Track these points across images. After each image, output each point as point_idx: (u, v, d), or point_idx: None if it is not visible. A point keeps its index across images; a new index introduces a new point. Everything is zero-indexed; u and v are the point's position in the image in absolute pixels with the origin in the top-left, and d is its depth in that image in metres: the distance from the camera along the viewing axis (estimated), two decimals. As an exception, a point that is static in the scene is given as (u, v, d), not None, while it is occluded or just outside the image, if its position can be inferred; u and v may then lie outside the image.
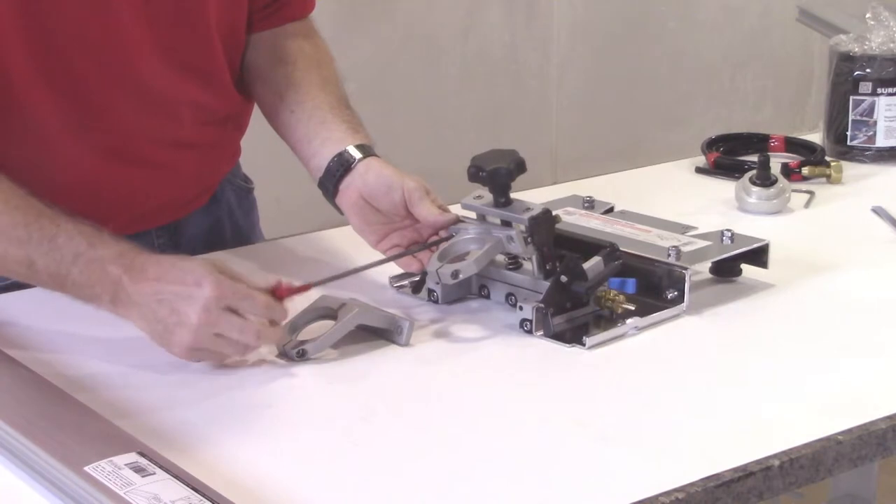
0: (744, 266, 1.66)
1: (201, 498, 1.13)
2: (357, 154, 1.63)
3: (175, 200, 1.74)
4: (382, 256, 1.61)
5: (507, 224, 1.55)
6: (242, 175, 1.88)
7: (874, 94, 2.13)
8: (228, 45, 1.69)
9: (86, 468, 1.17)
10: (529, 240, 1.52)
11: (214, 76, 1.69)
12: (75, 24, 1.54)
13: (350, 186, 1.62)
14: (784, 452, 1.25)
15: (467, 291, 1.61)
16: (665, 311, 1.56)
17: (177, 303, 1.40)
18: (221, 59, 1.69)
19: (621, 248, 1.57)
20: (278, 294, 1.44)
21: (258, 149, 1.89)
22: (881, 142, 2.15)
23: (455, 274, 1.51)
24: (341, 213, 1.65)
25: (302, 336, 1.48)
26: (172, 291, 1.41)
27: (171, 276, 1.42)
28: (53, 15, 1.52)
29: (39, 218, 1.46)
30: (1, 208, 1.46)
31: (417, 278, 1.61)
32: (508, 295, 1.57)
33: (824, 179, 2.06)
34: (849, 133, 2.16)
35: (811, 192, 2.00)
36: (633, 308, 1.54)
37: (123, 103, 1.60)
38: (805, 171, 2.06)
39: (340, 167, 1.63)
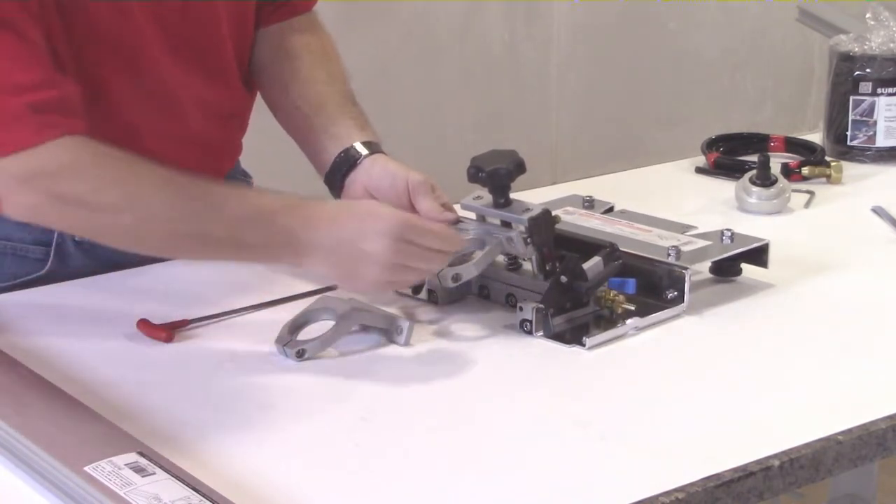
0: (744, 266, 1.66)
1: (201, 498, 1.13)
2: (363, 150, 1.64)
3: None
4: None
5: (506, 224, 1.55)
6: (241, 170, 1.88)
7: (874, 94, 2.13)
8: (238, 40, 1.70)
9: (86, 468, 1.17)
10: (529, 240, 1.52)
11: (223, 72, 1.69)
12: (92, 18, 1.53)
13: (355, 181, 1.63)
14: (784, 452, 1.25)
15: (467, 291, 1.61)
16: (665, 311, 1.56)
17: (360, 241, 1.42)
18: (231, 54, 1.69)
19: (621, 248, 1.57)
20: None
21: (257, 149, 1.88)
22: (881, 142, 2.15)
23: (456, 277, 1.51)
24: None
25: (302, 336, 1.48)
26: (355, 228, 1.43)
27: (347, 215, 1.44)
28: (72, 8, 1.51)
29: (203, 189, 1.46)
30: (162, 188, 1.45)
31: (417, 279, 1.61)
32: (508, 295, 1.57)
33: (824, 179, 2.06)
34: (849, 133, 2.16)
35: (811, 192, 2.00)
36: (633, 308, 1.54)
37: (133, 98, 1.59)
38: (805, 171, 2.06)
39: (346, 163, 1.64)
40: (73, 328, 1.54)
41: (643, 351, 1.49)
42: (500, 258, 1.58)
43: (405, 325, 1.49)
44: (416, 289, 1.61)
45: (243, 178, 1.88)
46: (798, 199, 1.97)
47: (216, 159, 1.77)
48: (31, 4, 1.46)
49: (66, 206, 1.46)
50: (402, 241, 1.43)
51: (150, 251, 1.53)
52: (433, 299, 1.60)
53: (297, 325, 1.49)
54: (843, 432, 1.29)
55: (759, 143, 2.20)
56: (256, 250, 1.48)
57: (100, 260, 1.68)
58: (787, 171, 2.03)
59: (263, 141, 1.81)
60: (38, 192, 1.45)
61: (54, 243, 1.66)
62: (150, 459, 1.18)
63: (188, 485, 1.15)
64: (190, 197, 1.46)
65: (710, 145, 2.17)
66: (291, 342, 1.46)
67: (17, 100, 1.43)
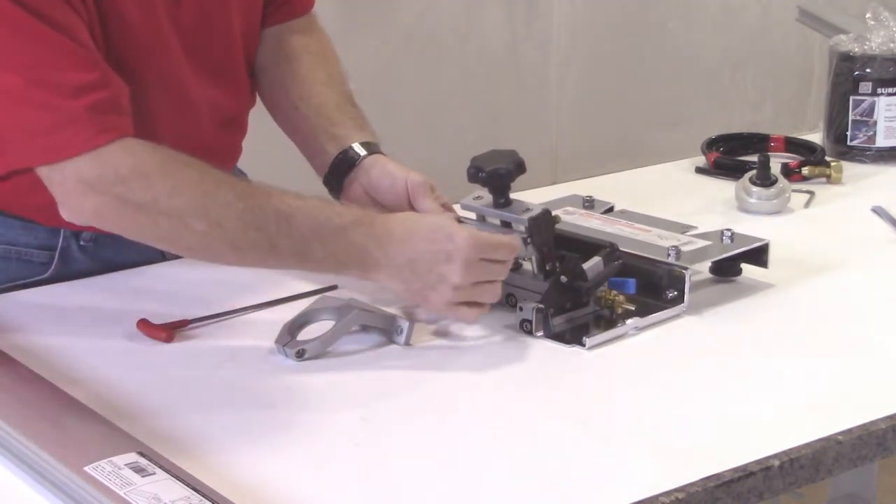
0: (744, 266, 1.66)
1: (201, 498, 1.13)
2: (362, 151, 1.65)
3: None
4: None
5: (506, 224, 1.55)
6: (237, 169, 1.88)
7: (874, 94, 2.13)
8: (247, 43, 1.70)
9: (86, 468, 1.17)
10: (529, 240, 1.52)
11: (233, 75, 1.69)
12: (123, 17, 1.52)
13: (354, 182, 1.64)
14: (784, 452, 1.25)
15: (467, 291, 1.61)
16: (665, 311, 1.56)
17: (435, 263, 1.44)
18: (241, 58, 1.69)
19: (621, 248, 1.57)
20: None
21: (255, 150, 1.88)
22: (881, 142, 2.15)
23: None
24: None
25: (302, 336, 1.48)
26: (427, 251, 1.44)
27: (421, 235, 1.45)
28: (112, 14, 1.51)
29: (270, 200, 1.45)
30: (233, 196, 1.45)
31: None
32: (508, 295, 1.57)
33: (824, 179, 2.06)
34: (849, 133, 2.16)
35: (811, 192, 2.00)
36: (633, 308, 1.54)
37: (155, 99, 1.58)
38: (805, 171, 2.06)
39: (345, 164, 1.64)
40: (73, 328, 1.54)
41: (643, 351, 1.49)
42: (500, 258, 1.58)
43: (405, 325, 1.49)
44: None
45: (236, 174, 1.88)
46: (798, 199, 1.97)
47: (220, 162, 1.77)
48: (79, 6, 1.46)
49: (135, 211, 1.45)
50: (475, 262, 1.45)
51: (213, 258, 1.51)
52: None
53: (297, 325, 1.49)
54: (843, 432, 1.29)
55: (759, 143, 2.20)
56: (323, 263, 1.49)
57: (102, 262, 1.68)
58: (787, 171, 2.03)
59: (261, 142, 1.81)
60: (105, 195, 1.44)
61: (59, 248, 1.66)
62: (150, 459, 1.18)
63: (188, 485, 1.15)
64: (259, 206, 1.45)
65: (710, 145, 2.17)
66: (291, 342, 1.46)
67: (75, 102, 1.42)
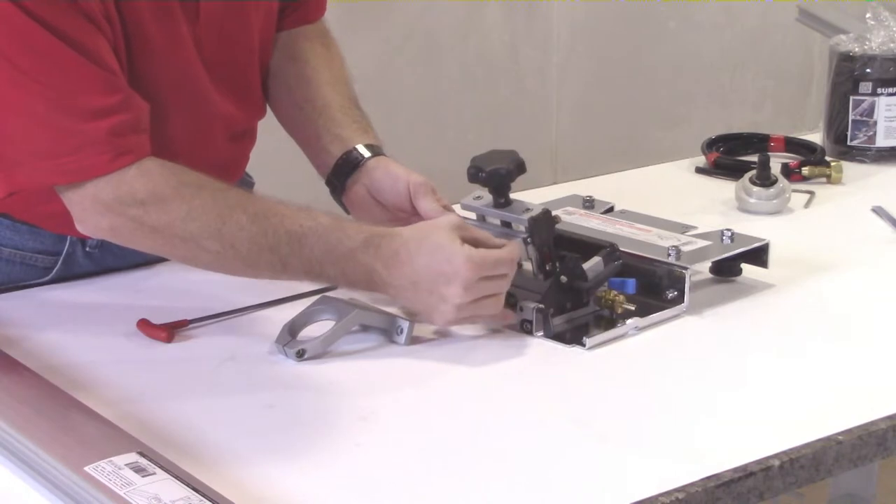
0: (744, 266, 1.66)
1: (201, 498, 1.13)
2: (366, 153, 1.65)
3: None
4: None
5: (506, 224, 1.55)
6: (245, 174, 1.88)
7: (874, 94, 2.13)
8: (263, 55, 1.70)
9: (86, 468, 1.17)
10: (529, 240, 1.52)
11: (249, 90, 1.69)
12: (146, 35, 1.52)
13: (357, 183, 1.64)
14: (784, 452, 1.25)
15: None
16: (665, 311, 1.56)
17: (436, 286, 1.45)
18: (257, 73, 1.69)
19: (621, 248, 1.57)
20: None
21: (257, 151, 1.88)
22: (881, 142, 2.15)
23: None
24: (348, 211, 1.66)
25: (302, 336, 1.48)
26: (429, 275, 1.46)
27: (424, 259, 1.46)
28: (135, 32, 1.51)
29: (283, 221, 1.47)
30: (245, 220, 1.47)
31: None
32: (508, 295, 1.57)
33: (824, 179, 2.06)
34: (849, 133, 2.16)
35: (811, 192, 2.00)
36: (633, 308, 1.54)
37: (176, 118, 1.58)
38: (805, 171, 2.06)
39: (348, 165, 1.64)
40: (73, 328, 1.54)
41: (643, 351, 1.49)
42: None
43: (405, 325, 1.49)
44: None
45: (245, 177, 1.88)
46: (798, 199, 1.97)
47: (229, 173, 1.76)
48: (104, 26, 1.46)
49: (151, 232, 1.47)
50: (475, 284, 1.46)
51: (228, 273, 1.54)
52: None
53: (297, 325, 1.49)
54: (843, 432, 1.29)
55: (759, 143, 2.20)
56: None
57: (104, 266, 1.69)
58: (787, 171, 2.03)
59: (267, 144, 1.81)
60: (121, 216, 1.47)
61: (64, 253, 1.66)
62: (150, 459, 1.18)
63: (188, 485, 1.15)
64: (272, 228, 1.47)
65: (710, 145, 2.17)
66: (291, 342, 1.46)
67: (95, 124, 1.44)
